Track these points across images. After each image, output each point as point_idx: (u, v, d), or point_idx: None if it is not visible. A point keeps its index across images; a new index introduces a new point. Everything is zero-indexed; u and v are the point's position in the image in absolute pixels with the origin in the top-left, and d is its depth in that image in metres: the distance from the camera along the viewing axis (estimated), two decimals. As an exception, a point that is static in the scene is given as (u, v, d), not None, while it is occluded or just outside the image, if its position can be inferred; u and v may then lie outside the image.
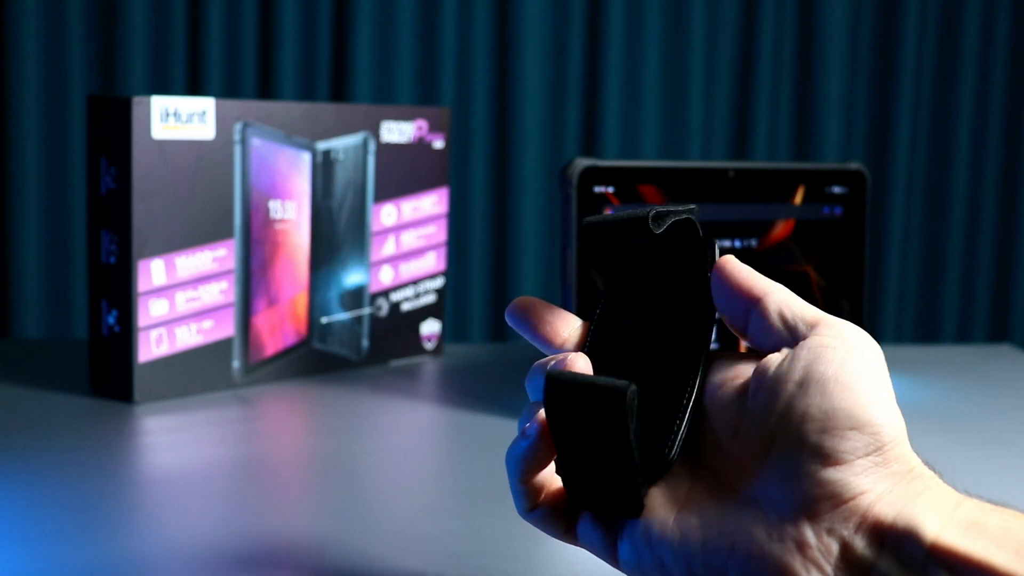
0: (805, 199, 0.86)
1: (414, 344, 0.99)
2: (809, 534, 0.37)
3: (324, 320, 0.92)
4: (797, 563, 0.37)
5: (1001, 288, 2.16)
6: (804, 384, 0.39)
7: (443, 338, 1.01)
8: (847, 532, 0.37)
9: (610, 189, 0.78)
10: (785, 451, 0.38)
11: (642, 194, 0.80)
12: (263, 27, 1.89)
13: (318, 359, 0.92)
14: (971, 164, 2.12)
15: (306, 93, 1.90)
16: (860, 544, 0.37)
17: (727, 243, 0.83)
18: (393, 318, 0.97)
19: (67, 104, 1.82)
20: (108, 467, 0.68)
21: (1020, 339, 2.15)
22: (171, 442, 0.74)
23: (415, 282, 0.98)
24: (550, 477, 0.44)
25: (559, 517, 0.44)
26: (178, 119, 0.81)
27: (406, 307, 0.98)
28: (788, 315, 0.42)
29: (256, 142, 0.85)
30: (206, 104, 0.82)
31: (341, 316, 0.93)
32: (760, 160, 2.02)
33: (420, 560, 0.54)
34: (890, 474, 0.38)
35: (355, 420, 0.81)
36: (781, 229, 0.85)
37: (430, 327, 1.00)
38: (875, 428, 0.38)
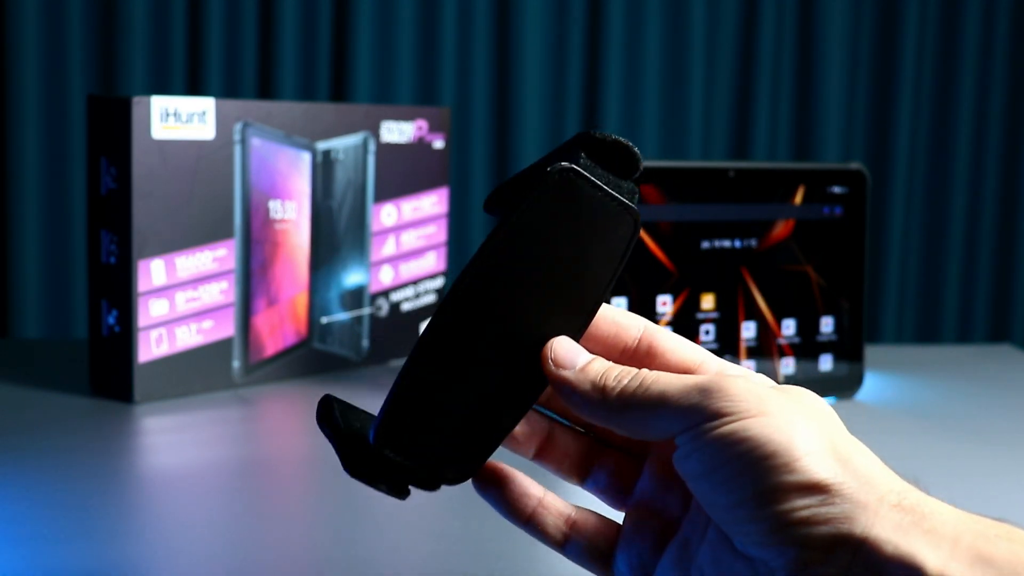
0: (805, 199, 0.86)
1: (414, 344, 0.99)
2: None
3: (324, 320, 0.92)
4: None
5: (1001, 288, 2.16)
6: (722, 475, 0.37)
7: (443, 338, 1.01)
8: (836, 573, 0.36)
9: (610, 189, 0.78)
10: (744, 526, 0.37)
11: (642, 194, 0.80)
12: (263, 27, 1.89)
13: (318, 359, 0.92)
14: (971, 164, 2.12)
15: (306, 93, 1.90)
16: None
17: (727, 243, 0.83)
18: (393, 318, 0.97)
19: (67, 104, 1.82)
20: (108, 467, 0.68)
21: (1020, 339, 2.15)
22: (171, 442, 0.74)
23: (415, 282, 0.98)
24: (580, 513, 0.44)
25: (596, 555, 0.43)
26: (178, 119, 0.81)
27: (406, 307, 0.98)
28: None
29: (256, 142, 0.85)
30: (206, 104, 0.82)
31: (341, 316, 0.93)
32: (760, 160, 2.02)
33: (420, 559, 0.54)
34: (865, 509, 0.36)
35: (355, 420, 0.81)
36: (781, 229, 0.85)
37: (430, 327, 1.00)
38: (809, 482, 0.36)
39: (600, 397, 0.41)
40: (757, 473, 0.36)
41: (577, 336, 0.43)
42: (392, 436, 0.43)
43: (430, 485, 0.43)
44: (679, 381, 0.39)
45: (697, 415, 0.38)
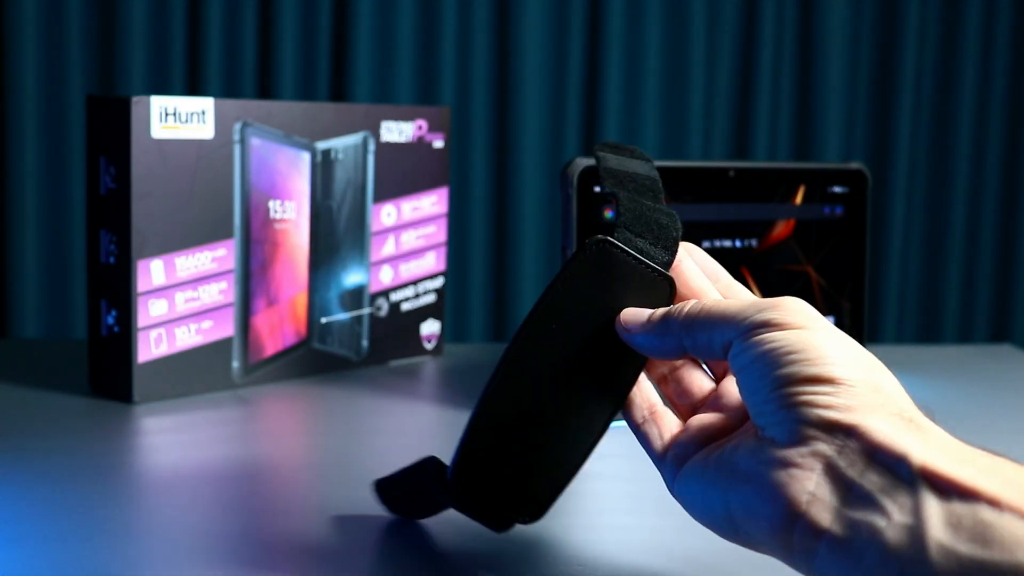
0: (805, 199, 0.86)
1: (414, 344, 0.99)
2: (794, 455, 0.41)
3: (324, 320, 0.92)
4: (782, 477, 0.41)
5: (1002, 288, 2.16)
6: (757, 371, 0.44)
7: (443, 338, 1.01)
8: (831, 452, 0.40)
9: (610, 189, 0.78)
10: (763, 407, 0.43)
11: (642, 194, 0.79)
12: (263, 27, 1.89)
13: (318, 359, 0.92)
14: (971, 164, 2.12)
15: (306, 93, 1.90)
16: (843, 463, 0.40)
17: (727, 243, 0.83)
18: (393, 318, 0.97)
19: (67, 104, 1.82)
20: (108, 467, 0.68)
21: (1021, 339, 2.15)
22: (171, 442, 0.74)
23: (415, 282, 0.98)
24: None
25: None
26: (177, 119, 0.81)
27: (406, 307, 0.98)
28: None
29: (256, 142, 0.85)
30: (205, 104, 0.82)
31: (341, 316, 0.93)
32: (760, 160, 2.02)
33: (419, 560, 0.54)
34: (866, 407, 0.41)
35: (355, 420, 0.81)
36: (781, 229, 0.85)
37: (430, 327, 1.00)
38: (824, 376, 0.42)
39: (665, 325, 0.47)
40: (784, 364, 0.42)
41: (627, 390, 0.50)
42: (467, 477, 0.49)
43: (503, 525, 0.50)
44: (737, 301, 0.46)
45: (751, 322, 0.44)
